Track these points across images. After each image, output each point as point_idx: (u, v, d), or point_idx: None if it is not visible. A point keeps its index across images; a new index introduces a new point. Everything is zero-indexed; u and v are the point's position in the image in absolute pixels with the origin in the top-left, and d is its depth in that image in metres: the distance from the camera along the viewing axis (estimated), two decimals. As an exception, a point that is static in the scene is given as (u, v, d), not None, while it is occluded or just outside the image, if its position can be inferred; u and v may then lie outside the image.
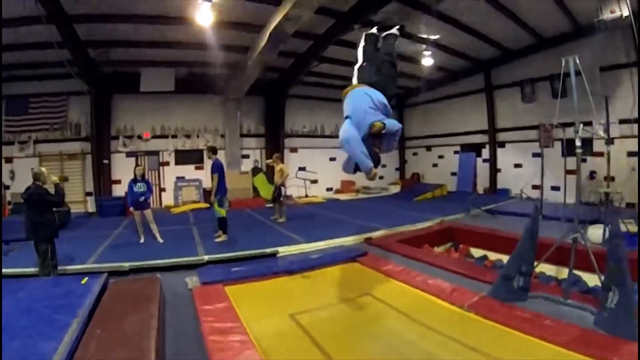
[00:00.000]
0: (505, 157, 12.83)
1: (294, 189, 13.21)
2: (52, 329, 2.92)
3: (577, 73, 4.28)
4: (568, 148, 8.33)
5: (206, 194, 11.92)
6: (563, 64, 4.32)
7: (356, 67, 3.98)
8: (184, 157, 12.75)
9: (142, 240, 6.62)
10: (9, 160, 10.69)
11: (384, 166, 15.92)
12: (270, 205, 9.73)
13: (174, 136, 12.61)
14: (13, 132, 10.80)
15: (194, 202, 12.27)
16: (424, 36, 10.08)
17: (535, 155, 10.79)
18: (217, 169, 6.59)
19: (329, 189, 14.96)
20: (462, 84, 13.88)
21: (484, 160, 13.56)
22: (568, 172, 8.31)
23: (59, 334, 2.82)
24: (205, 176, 12.38)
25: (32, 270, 4.77)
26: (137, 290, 3.94)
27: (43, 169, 4.85)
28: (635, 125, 8.68)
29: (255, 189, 12.79)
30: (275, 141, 13.64)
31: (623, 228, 4.58)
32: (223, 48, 9.57)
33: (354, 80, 3.86)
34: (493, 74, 12.84)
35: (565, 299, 3.74)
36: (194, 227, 8.04)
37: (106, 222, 9.16)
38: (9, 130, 10.73)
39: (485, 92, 13.13)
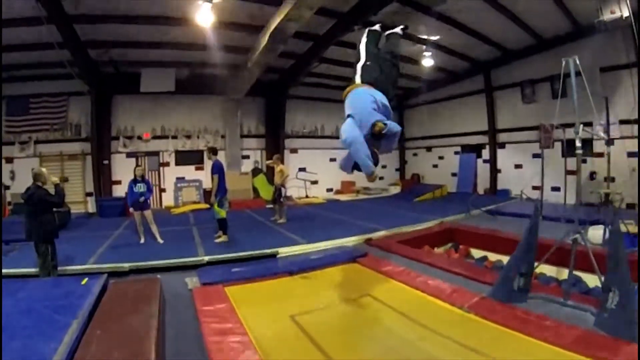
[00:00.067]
0: (505, 158, 12.83)
1: (294, 190, 13.20)
2: (52, 329, 2.92)
3: (577, 74, 4.27)
4: (568, 149, 8.33)
5: (206, 194, 11.92)
6: (563, 65, 4.31)
7: (359, 65, 3.87)
8: (184, 157, 12.76)
9: (142, 241, 6.62)
10: (10, 160, 10.69)
11: (384, 167, 15.95)
12: (271, 206, 9.72)
13: (174, 137, 12.61)
14: (13, 133, 10.80)
15: (194, 202, 12.27)
16: (424, 37, 10.09)
17: (535, 156, 10.79)
18: (217, 169, 6.60)
19: (329, 190, 14.95)
20: (462, 84, 13.87)
21: (484, 161, 13.55)
22: (568, 172, 8.31)
23: (59, 334, 2.82)
24: (205, 177, 12.39)
25: (32, 270, 4.77)
26: (137, 290, 3.94)
27: (43, 169, 4.85)
28: (636, 126, 8.68)
29: (255, 190, 12.71)
30: (275, 142, 13.64)
31: (623, 229, 4.56)
32: (223, 49, 9.57)
33: (357, 79, 3.77)
34: (493, 75, 12.84)
35: (566, 300, 3.73)
36: (194, 228, 8.04)
37: (106, 223, 9.16)
38: (10, 130, 10.74)
39: (485, 93, 13.11)
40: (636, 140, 8.41)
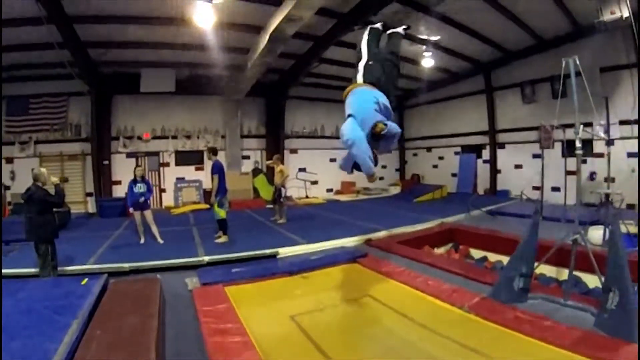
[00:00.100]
0: (505, 158, 12.83)
1: (294, 190, 13.20)
2: (52, 329, 2.92)
3: (577, 74, 4.27)
4: (568, 149, 8.36)
5: (206, 194, 11.92)
6: (563, 65, 4.31)
7: (361, 64, 3.79)
8: (184, 158, 12.76)
9: (142, 241, 6.62)
10: (10, 160, 10.70)
11: (384, 167, 15.96)
12: (271, 206, 9.73)
13: (174, 137, 12.61)
14: (13, 133, 10.81)
15: (194, 203, 12.27)
16: (424, 37, 10.09)
17: (535, 156, 10.79)
18: (217, 170, 6.60)
19: (329, 190, 14.95)
20: (462, 85, 13.88)
21: (484, 162, 13.55)
22: (568, 173, 8.30)
23: (59, 334, 2.82)
24: (205, 177, 12.39)
25: (32, 270, 4.77)
26: (137, 291, 3.94)
27: (43, 169, 4.85)
28: (636, 126, 8.68)
29: (255, 190, 12.74)
30: (275, 142, 13.65)
31: (623, 229, 4.56)
32: (224, 49, 9.56)
33: (359, 78, 3.69)
34: (493, 75, 12.84)
35: (566, 300, 3.73)
36: (194, 228, 8.04)
37: (106, 223, 9.16)
38: (10, 130, 10.75)
39: (485, 93, 13.12)
40: (636, 141, 8.41)
